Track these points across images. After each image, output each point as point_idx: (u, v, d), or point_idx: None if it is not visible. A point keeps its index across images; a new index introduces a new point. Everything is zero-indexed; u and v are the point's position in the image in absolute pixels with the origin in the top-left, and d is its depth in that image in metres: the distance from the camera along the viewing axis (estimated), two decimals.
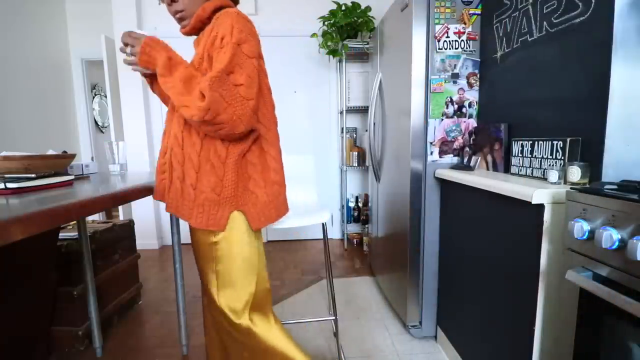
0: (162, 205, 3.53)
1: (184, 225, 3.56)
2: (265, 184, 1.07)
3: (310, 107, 3.53)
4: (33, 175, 1.01)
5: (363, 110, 3.35)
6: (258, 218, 1.06)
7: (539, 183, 1.06)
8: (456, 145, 1.65)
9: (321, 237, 3.59)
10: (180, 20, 1.10)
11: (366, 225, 3.39)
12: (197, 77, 0.94)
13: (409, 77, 1.62)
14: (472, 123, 1.64)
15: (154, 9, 3.31)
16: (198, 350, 1.75)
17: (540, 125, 1.22)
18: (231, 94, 0.91)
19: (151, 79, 1.17)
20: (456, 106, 1.63)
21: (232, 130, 0.93)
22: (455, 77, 1.61)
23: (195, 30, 1.10)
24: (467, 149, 1.61)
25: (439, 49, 1.59)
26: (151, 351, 1.75)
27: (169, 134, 1.09)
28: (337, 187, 3.62)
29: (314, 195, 1.78)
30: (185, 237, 3.60)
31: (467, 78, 1.61)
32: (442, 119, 1.63)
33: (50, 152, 1.18)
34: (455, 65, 1.60)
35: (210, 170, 0.99)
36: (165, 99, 1.21)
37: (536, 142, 1.19)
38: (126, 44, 1.02)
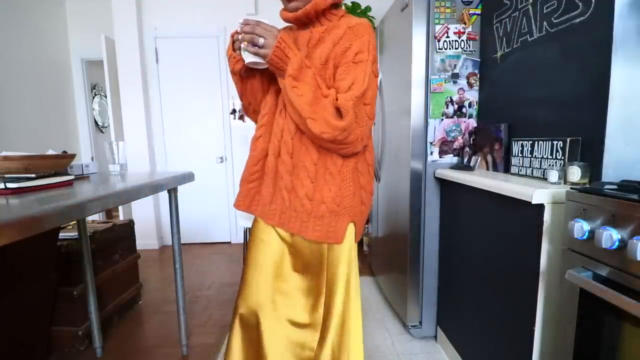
0: (162, 205, 3.53)
1: (184, 225, 3.56)
2: (370, 194, 1.05)
3: None
4: (33, 175, 1.01)
5: None
6: (360, 230, 1.03)
7: (539, 183, 1.06)
8: (456, 145, 1.65)
9: None
10: (288, 1, 0.97)
11: (366, 225, 3.39)
12: (323, 88, 0.89)
13: (409, 77, 1.62)
14: (472, 123, 1.64)
15: (154, 8, 3.31)
16: (198, 350, 1.75)
17: (540, 125, 1.22)
18: (361, 115, 0.89)
19: (246, 74, 0.99)
20: (456, 106, 1.63)
21: (354, 149, 0.92)
22: (455, 77, 1.61)
23: (304, 18, 0.96)
24: (467, 149, 1.61)
25: (439, 49, 1.59)
26: (151, 351, 1.75)
27: (266, 139, 1.00)
28: None
29: None
30: (185, 237, 3.62)
31: (467, 78, 1.61)
32: (442, 119, 1.63)
33: (50, 152, 1.18)
34: (455, 65, 1.60)
35: (329, 179, 0.94)
36: (253, 97, 1.06)
37: (536, 142, 1.19)
38: (251, 34, 0.86)
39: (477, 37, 1.59)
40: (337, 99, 0.87)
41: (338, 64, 0.91)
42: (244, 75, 0.99)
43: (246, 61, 0.90)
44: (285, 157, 0.95)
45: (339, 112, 0.86)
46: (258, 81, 1.02)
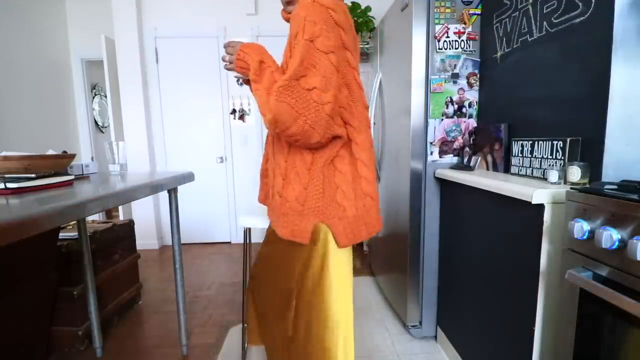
0: (162, 205, 3.53)
1: (184, 225, 3.57)
2: (355, 196, 0.95)
3: None
4: (33, 175, 1.01)
5: None
6: (345, 234, 0.94)
7: (539, 183, 1.06)
8: (456, 145, 1.65)
9: None
10: (287, 4, 1.01)
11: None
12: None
13: (409, 77, 1.62)
14: (472, 123, 1.64)
15: (154, 8, 3.31)
16: (198, 350, 1.75)
17: (540, 125, 1.22)
18: (302, 101, 0.81)
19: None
20: (456, 106, 1.63)
21: (307, 140, 0.86)
22: (455, 77, 1.61)
23: None
24: (467, 149, 1.61)
25: (439, 49, 1.59)
26: (151, 351, 1.75)
27: (271, 137, 1.06)
28: None
29: None
30: (185, 237, 3.62)
31: (467, 78, 1.61)
32: (442, 119, 1.63)
33: (50, 152, 1.18)
34: (455, 65, 1.60)
35: (294, 178, 0.92)
36: None
37: (536, 142, 1.19)
38: (227, 54, 1.01)
39: (477, 37, 1.59)
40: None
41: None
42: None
43: (235, 79, 1.05)
44: (271, 155, 1.02)
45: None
46: None
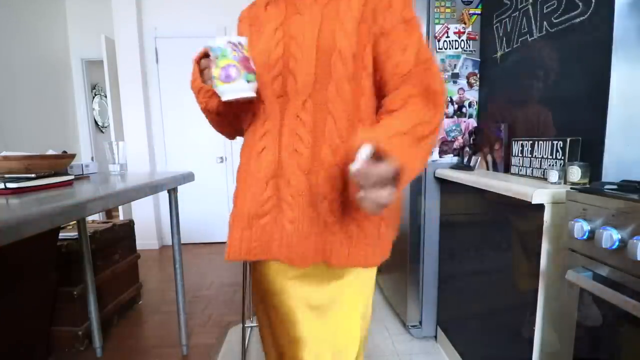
0: (162, 205, 3.53)
1: (184, 225, 3.57)
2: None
3: None
4: (33, 175, 1.01)
5: None
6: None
7: (539, 183, 1.06)
8: (456, 145, 1.65)
9: None
10: None
11: None
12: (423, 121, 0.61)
13: None
14: (472, 123, 1.64)
15: (154, 8, 3.31)
16: (198, 350, 1.75)
17: (540, 125, 1.22)
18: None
19: (224, 107, 0.74)
20: (456, 106, 1.63)
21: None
22: (455, 77, 1.61)
23: None
24: (467, 148, 1.61)
25: (439, 48, 1.59)
26: (151, 351, 1.75)
27: (274, 151, 0.69)
28: None
29: None
30: (185, 237, 3.61)
31: (467, 78, 1.61)
32: (442, 119, 1.63)
33: (50, 152, 1.18)
34: (455, 65, 1.60)
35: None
36: (237, 121, 0.80)
37: (536, 142, 1.19)
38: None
39: (477, 37, 1.59)
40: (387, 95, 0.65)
41: (385, 31, 0.64)
42: (225, 108, 0.74)
43: (225, 98, 0.65)
44: (334, 168, 0.67)
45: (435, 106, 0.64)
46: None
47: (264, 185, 0.69)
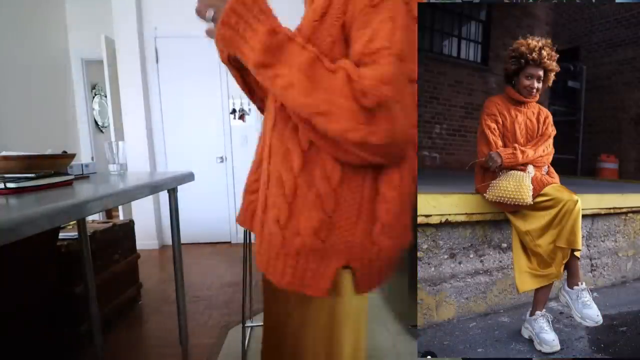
0: (162, 205, 3.53)
1: (184, 225, 3.57)
2: (400, 231, 0.66)
3: None
4: (33, 175, 1.00)
5: None
6: (370, 279, 0.67)
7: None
8: None
9: None
10: None
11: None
12: (321, 59, 0.52)
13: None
14: None
15: (154, 8, 3.31)
16: (198, 350, 1.75)
17: None
18: (410, 100, 0.55)
19: (239, 62, 0.70)
20: None
21: (393, 156, 0.57)
22: None
23: None
24: None
25: None
26: (151, 351, 1.75)
27: (264, 140, 0.70)
28: None
29: None
30: (185, 237, 3.61)
31: None
32: None
33: (50, 152, 1.18)
34: None
35: (313, 201, 0.59)
36: (260, 90, 0.80)
37: None
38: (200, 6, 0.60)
39: None
40: (354, 76, 0.50)
41: (351, 20, 0.54)
42: (235, 62, 0.73)
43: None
44: (264, 162, 0.67)
45: (365, 97, 0.49)
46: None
47: (255, 169, 0.74)
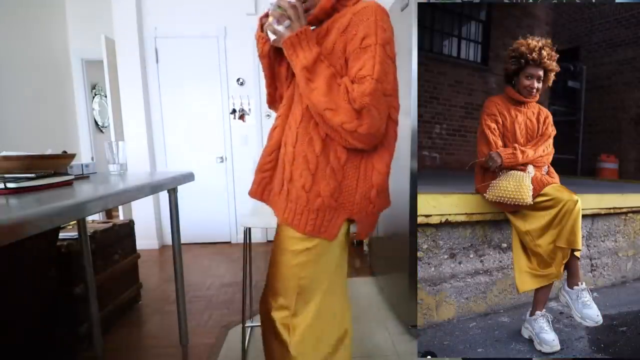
0: (162, 205, 3.53)
1: (184, 225, 3.59)
2: (379, 196, 0.95)
3: None
4: (33, 175, 1.00)
5: None
6: (365, 228, 0.97)
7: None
8: None
9: None
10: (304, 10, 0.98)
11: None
12: (337, 76, 0.85)
13: (409, 77, 1.62)
14: None
15: (154, 8, 3.31)
16: (198, 350, 1.75)
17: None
18: (384, 107, 0.85)
19: (275, 57, 1.01)
20: None
21: (371, 143, 0.88)
22: None
23: (321, 15, 0.95)
24: None
25: None
26: (151, 351, 1.75)
27: (281, 130, 0.98)
28: None
29: None
30: (185, 237, 3.61)
31: None
32: None
33: (50, 151, 1.18)
34: None
35: (330, 174, 0.89)
36: (280, 84, 1.07)
37: None
38: (282, 13, 0.88)
39: None
40: (349, 89, 0.82)
41: (348, 55, 0.86)
42: (272, 57, 1.00)
43: (271, 39, 0.92)
44: (289, 147, 0.93)
45: (354, 102, 0.81)
46: (285, 69, 1.01)
47: (269, 152, 1.00)
